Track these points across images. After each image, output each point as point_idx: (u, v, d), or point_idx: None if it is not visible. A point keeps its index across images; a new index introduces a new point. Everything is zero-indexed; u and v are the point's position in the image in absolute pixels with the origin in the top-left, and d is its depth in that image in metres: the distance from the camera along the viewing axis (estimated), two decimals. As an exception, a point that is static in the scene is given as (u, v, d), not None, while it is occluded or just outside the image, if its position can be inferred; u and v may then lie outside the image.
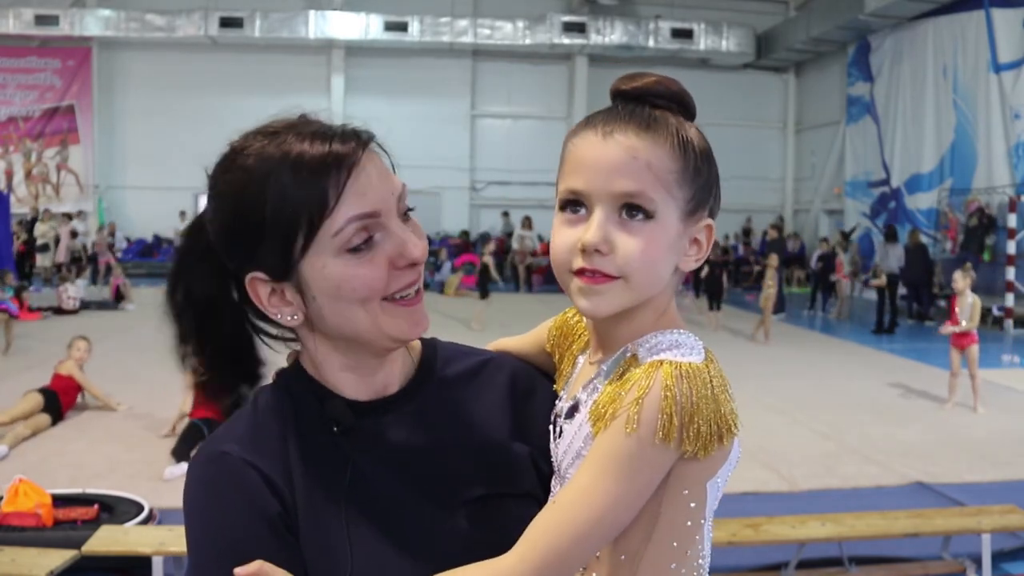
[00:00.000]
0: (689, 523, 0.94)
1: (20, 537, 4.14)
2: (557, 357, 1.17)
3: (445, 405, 1.09)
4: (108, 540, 3.87)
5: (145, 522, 4.61)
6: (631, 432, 0.88)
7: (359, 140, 1.00)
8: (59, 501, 4.68)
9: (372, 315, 0.99)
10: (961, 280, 8.13)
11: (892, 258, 14.40)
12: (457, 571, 0.92)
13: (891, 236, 14.87)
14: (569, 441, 1.00)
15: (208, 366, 1.09)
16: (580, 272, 0.95)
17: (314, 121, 1.02)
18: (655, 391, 0.88)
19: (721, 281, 13.67)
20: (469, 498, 1.04)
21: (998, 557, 4.53)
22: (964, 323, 8.00)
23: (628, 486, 0.89)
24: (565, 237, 0.96)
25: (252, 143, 1.00)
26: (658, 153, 0.94)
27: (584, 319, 1.12)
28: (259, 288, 1.01)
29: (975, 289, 8.31)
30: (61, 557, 3.65)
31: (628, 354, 0.97)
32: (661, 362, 0.90)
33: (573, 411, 1.01)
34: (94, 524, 4.35)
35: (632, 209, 0.93)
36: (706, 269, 13.79)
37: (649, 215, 0.94)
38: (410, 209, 1.04)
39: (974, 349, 8.03)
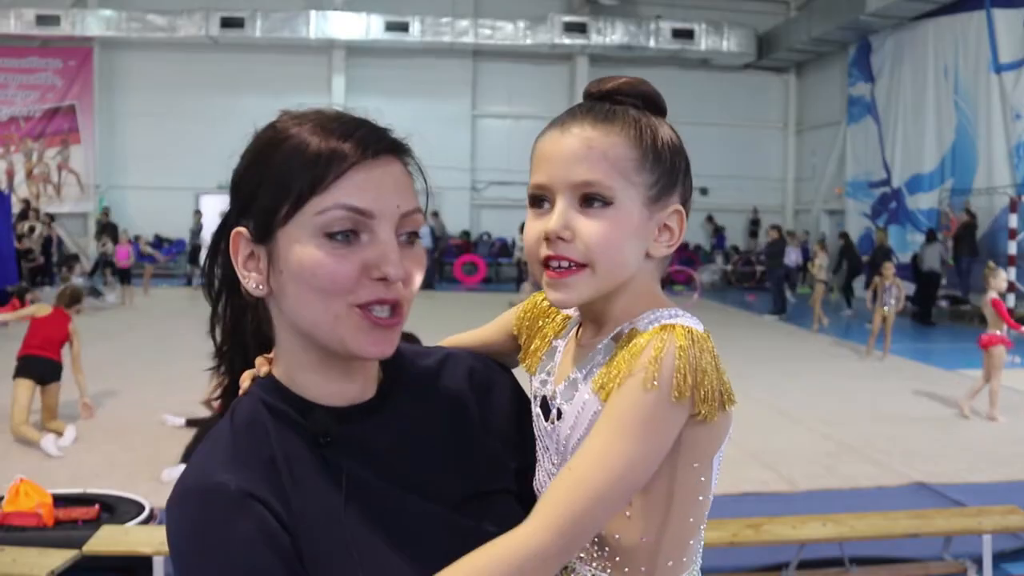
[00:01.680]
0: (701, 498, 0.97)
1: (21, 537, 4.15)
2: (525, 339, 1.18)
3: (417, 407, 1.08)
4: (109, 540, 3.87)
5: (146, 522, 4.61)
6: (651, 389, 0.89)
7: (384, 144, 0.99)
8: (60, 501, 4.68)
9: (331, 315, 0.95)
10: (1004, 279, 7.87)
11: (931, 257, 14.55)
12: (480, 549, 0.90)
13: (931, 236, 15.18)
14: (573, 421, 1.00)
15: (229, 343, 1.10)
16: (547, 263, 0.98)
17: (363, 119, 1.02)
18: (671, 349, 0.90)
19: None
20: (459, 499, 1.03)
21: (999, 558, 4.53)
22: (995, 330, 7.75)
23: (644, 445, 0.90)
24: (533, 229, 1.00)
25: (298, 112, 1.01)
26: (613, 141, 0.97)
27: None
28: (240, 245, 1.00)
29: (974, 290, 8.24)
30: (62, 557, 3.64)
31: (627, 330, 0.99)
32: (673, 325, 0.93)
33: (570, 391, 1.01)
34: (95, 524, 4.35)
35: (590, 197, 0.97)
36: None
37: (607, 201, 0.97)
38: (415, 234, 1.01)
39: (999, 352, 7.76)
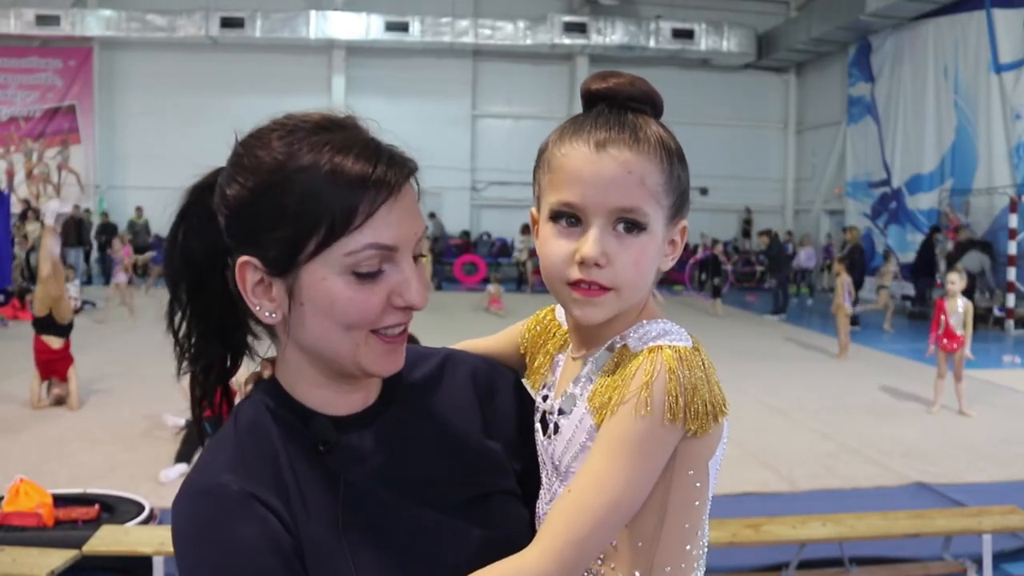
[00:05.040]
0: (697, 503, 0.97)
1: (21, 537, 4.15)
2: (530, 355, 1.19)
3: (418, 411, 1.09)
4: (109, 540, 3.87)
5: (146, 522, 4.61)
6: (645, 415, 0.91)
7: (404, 169, 0.97)
8: (60, 501, 4.68)
9: (353, 343, 0.96)
10: (960, 281, 8.01)
11: (972, 260, 14.48)
12: (480, 572, 0.92)
13: (986, 248, 15.02)
14: (569, 436, 1.01)
15: (197, 334, 1.04)
16: (575, 284, 0.97)
17: (362, 130, 0.99)
18: (661, 374, 0.91)
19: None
20: (459, 501, 1.03)
21: (999, 558, 4.53)
22: (960, 331, 7.87)
23: (641, 468, 0.92)
24: (559, 248, 0.98)
25: (296, 129, 0.96)
26: (649, 167, 0.96)
27: (558, 318, 1.17)
28: (248, 273, 0.97)
29: (972, 290, 8.23)
30: (62, 557, 3.65)
31: (618, 345, 1.00)
32: (661, 347, 0.94)
33: (568, 406, 1.02)
34: (95, 524, 4.35)
35: (627, 223, 0.96)
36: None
37: (642, 228, 0.97)
38: (423, 256, 1.02)
39: (961, 353, 7.92)
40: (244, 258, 0.96)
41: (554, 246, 0.99)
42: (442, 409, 1.10)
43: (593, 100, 1.01)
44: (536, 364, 1.17)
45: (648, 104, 1.01)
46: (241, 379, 1.11)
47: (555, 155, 0.99)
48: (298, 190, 0.92)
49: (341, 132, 0.97)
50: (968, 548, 4.49)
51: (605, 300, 0.97)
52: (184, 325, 1.04)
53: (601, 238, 0.95)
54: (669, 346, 0.94)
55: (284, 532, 0.93)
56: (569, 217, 0.98)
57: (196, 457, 5.75)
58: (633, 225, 0.96)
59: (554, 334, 1.17)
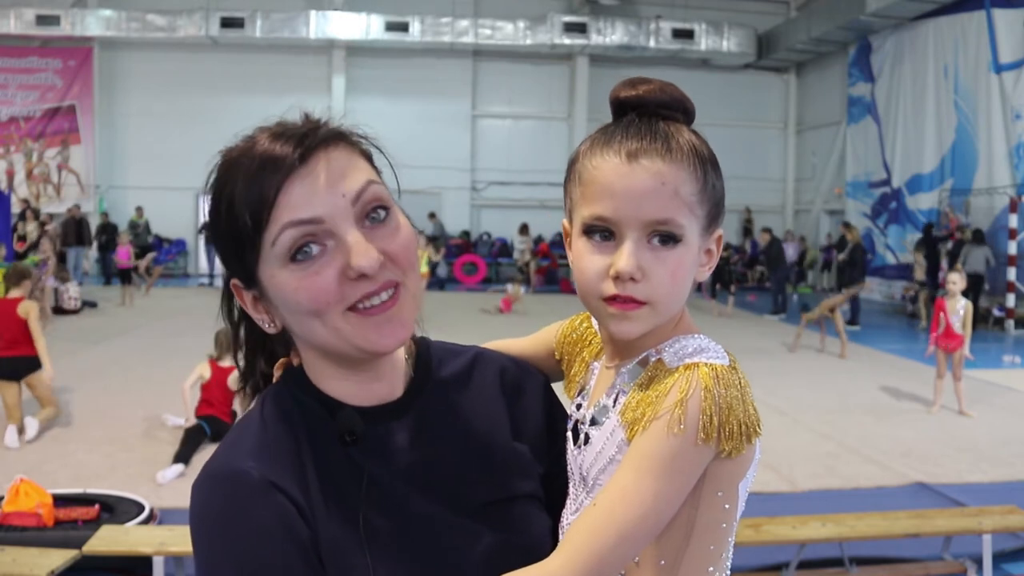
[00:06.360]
0: (724, 525, 0.96)
1: (21, 537, 4.15)
2: (566, 362, 1.17)
3: (446, 408, 1.07)
4: (109, 540, 3.87)
5: (146, 522, 4.61)
6: (678, 433, 0.89)
7: (307, 140, 0.94)
8: (60, 501, 4.68)
9: (331, 327, 0.94)
10: (960, 282, 8.01)
11: (976, 259, 14.37)
12: None
13: (979, 238, 14.89)
14: (599, 448, 0.99)
15: (248, 351, 1.10)
16: (611, 298, 0.96)
17: (291, 121, 0.98)
18: (696, 392, 0.90)
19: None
20: (482, 503, 1.02)
21: (999, 558, 4.53)
22: (960, 329, 7.89)
23: (670, 485, 0.90)
24: (594, 263, 0.97)
25: (234, 146, 0.98)
26: (683, 177, 0.95)
27: (594, 325, 1.15)
28: (243, 294, 1.01)
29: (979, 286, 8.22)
30: (62, 557, 3.65)
31: (653, 359, 0.98)
32: (697, 364, 0.93)
33: (600, 418, 1.01)
34: (95, 524, 4.35)
35: (661, 235, 0.95)
36: None
37: (677, 240, 0.95)
38: (382, 208, 0.97)
39: (960, 353, 7.95)
40: (232, 281, 1.01)
41: (588, 261, 0.97)
42: (470, 407, 1.09)
43: (623, 108, 1.00)
44: (572, 372, 1.16)
45: (679, 111, 0.99)
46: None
47: (586, 167, 0.98)
48: (224, 204, 0.96)
49: (262, 131, 0.97)
50: (968, 548, 4.50)
51: (641, 314, 0.96)
52: (244, 359, 1.11)
53: (636, 252, 0.94)
54: (706, 363, 0.92)
55: (302, 523, 0.93)
56: (602, 231, 0.96)
57: (215, 444, 5.77)
58: (668, 237, 0.94)
59: (590, 342, 1.15)
